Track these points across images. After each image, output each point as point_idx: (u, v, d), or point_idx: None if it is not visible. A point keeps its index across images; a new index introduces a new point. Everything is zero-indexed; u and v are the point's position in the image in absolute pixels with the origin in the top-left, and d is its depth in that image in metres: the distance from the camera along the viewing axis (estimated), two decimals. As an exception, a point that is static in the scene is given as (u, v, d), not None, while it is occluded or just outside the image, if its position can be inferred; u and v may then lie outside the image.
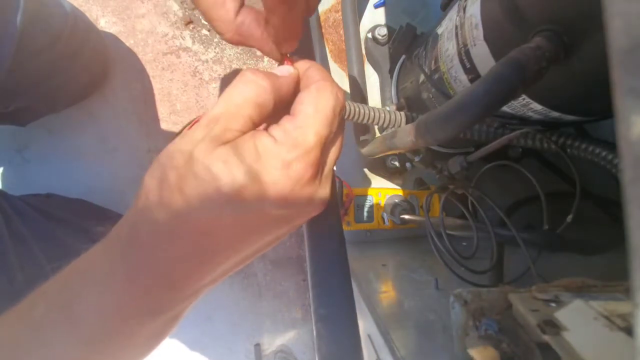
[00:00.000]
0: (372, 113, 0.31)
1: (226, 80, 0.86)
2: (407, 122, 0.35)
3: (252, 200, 0.18)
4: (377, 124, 0.32)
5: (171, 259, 0.18)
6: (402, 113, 0.34)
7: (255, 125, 0.20)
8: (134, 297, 0.18)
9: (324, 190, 0.21)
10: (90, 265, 0.19)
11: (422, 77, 0.43)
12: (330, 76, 0.22)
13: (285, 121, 0.20)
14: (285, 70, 0.22)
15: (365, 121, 0.31)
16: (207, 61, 0.85)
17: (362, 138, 0.53)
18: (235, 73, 0.84)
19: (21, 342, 0.18)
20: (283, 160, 0.18)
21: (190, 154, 0.18)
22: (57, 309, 0.18)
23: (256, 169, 0.18)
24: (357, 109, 0.30)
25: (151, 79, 0.85)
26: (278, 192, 0.18)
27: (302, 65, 0.23)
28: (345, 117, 0.29)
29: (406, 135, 0.30)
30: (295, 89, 0.22)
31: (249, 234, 0.19)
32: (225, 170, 0.17)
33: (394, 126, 0.34)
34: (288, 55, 0.24)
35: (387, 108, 0.38)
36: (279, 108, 0.21)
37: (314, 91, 0.20)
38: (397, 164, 0.59)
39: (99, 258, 0.19)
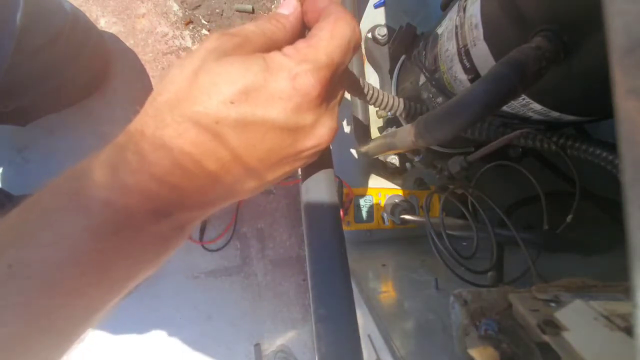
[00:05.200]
0: (380, 95, 0.35)
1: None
2: (404, 108, 0.37)
3: (257, 104, 0.18)
4: (381, 105, 0.35)
5: (175, 156, 0.18)
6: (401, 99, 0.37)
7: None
8: (137, 190, 0.18)
9: (331, 119, 0.21)
10: (99, 158, 0.19)
11: (422, 77, 0.43)
12: (350, 13, 0.22)
13: (300, 41, 0.20)
14: (291, 5, 0.22)
15: (374, 101, 0.35)
16: (207, 61, 0.85)
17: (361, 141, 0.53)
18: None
19: (27, 222, 0.18)
20: (290, 71, 0.18)
21: (201, 61, 0.18)
22: (64, 195, 0.18)
23: (263, 77, 0.18)
24: (374, 90, 0.33)
25: (151, 79, 0.85)
26: (283, 101, 0.18)
27: (321, 1, 0.22)
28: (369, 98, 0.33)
29: (406, 135, 0.30)
30: (301, 28, 0.23)
31: (253, 143, 0.19)
32: (233, 73, 0.18)
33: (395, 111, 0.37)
34: None
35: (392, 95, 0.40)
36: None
37: (332, 20, 0.20)
38: (397, 163, 0.59)
39: (105, 153, 0.19)
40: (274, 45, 0.21)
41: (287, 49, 0.19)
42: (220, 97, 0.18)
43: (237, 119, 0.18)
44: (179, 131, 0.18)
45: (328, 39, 0.20)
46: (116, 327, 0.83)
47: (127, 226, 0.18)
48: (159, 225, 0.19)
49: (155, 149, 0.18)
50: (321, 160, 0.25)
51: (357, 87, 0.33)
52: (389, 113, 0.56)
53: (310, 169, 0.26)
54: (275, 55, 0.19)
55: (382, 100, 0.36)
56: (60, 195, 0.18)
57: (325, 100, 0.20)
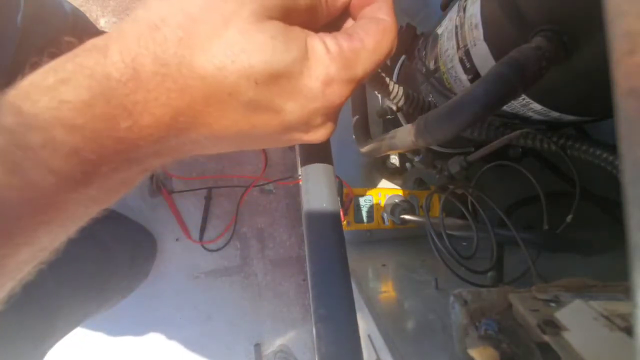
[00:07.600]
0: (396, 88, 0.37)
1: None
2: (406, 100, 0.39)
3: (280, 94, 0.17)
4: (396, 98, 0.38)
5: (169, 112, 0.16)
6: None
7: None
8: (117, 138, 0.16)
9: (334, 122, 0.21)
10: (66, 91, 0.15)
11: (422, 77, 0.43)
12: (396, 21, 0.20)
13: (343, 38, 0.18)
14: None
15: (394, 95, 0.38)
16: (207, 61, 0.86)
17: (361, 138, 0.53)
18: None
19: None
20: (327, 74, 0.17)
21: (237, 6, 0.15)
22: (26, 132, 0.14)
23: (299, 67, 0.16)
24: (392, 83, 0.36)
25: (151, 79, 0.85)
26: (308, 100, 0.17)
27: None
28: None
29: (406, 135, 0.30)
30: (343, 10, 0.20)
31: (254, 123, 0.18)
32: (270, 49, 0.16)
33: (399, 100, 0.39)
34: None
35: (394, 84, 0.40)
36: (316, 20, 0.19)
37: (382, 29, 0.19)
38: (397, 163, 0.59)
39: (82, 88, 0.15)
40: (312, 23, 0.19)
41: (331, 44, 0.17)
42: (245, 70, 0.15)
43: (253, 100, 0.16)
44: (182, 86, 0.15)
45: (371, 51, 0.18)
46: (116, 327, 0.83)
47: (98, 174, 0.16)
48: (129, 172, 0.18)
49: (148, 98, 0.15)
50: (321, 152, 0.25)
51: (380, 82, 0.35)
52: (390, 113, 0.56)
53: (310, 157, 0.26)
54: (317, 46, 0.17)
55: (398, 93, 0.38)
56: (21, 131, 0.14)
57: (339, 109, 0.20)
